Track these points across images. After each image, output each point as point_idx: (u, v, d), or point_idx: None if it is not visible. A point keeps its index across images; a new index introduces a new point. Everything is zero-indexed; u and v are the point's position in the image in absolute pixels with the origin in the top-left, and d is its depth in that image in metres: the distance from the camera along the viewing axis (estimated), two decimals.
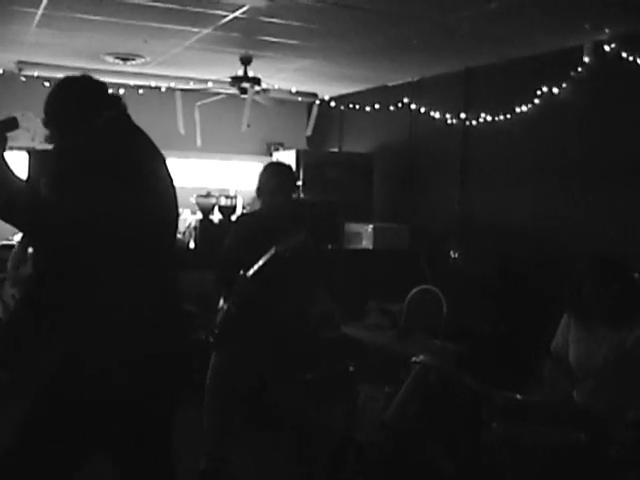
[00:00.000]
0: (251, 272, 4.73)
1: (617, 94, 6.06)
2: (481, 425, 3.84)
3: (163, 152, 3.36)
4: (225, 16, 5.83)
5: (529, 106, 6.75)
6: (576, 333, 4.50)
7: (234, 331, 4.89)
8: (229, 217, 7.88)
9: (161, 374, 3.15)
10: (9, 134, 2.99)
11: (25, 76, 8.26)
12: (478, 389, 4.03)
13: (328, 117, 9.55)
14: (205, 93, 8.65)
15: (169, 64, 7.91)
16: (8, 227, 3.01)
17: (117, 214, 2.95)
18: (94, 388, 2.97)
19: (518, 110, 6.86)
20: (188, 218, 8.41)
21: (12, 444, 3.04)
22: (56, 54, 7.48)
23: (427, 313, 6.13)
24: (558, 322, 4.69)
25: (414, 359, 4.38)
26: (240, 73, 7.54)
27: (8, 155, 2.92)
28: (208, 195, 8.02)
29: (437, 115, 7.88)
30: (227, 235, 5.24)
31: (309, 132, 8.91)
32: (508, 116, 6.98)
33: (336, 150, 9.73)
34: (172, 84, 8.69)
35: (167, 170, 3.31)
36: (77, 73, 3.42)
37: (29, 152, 7.47)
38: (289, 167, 5.24)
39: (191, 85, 8.61)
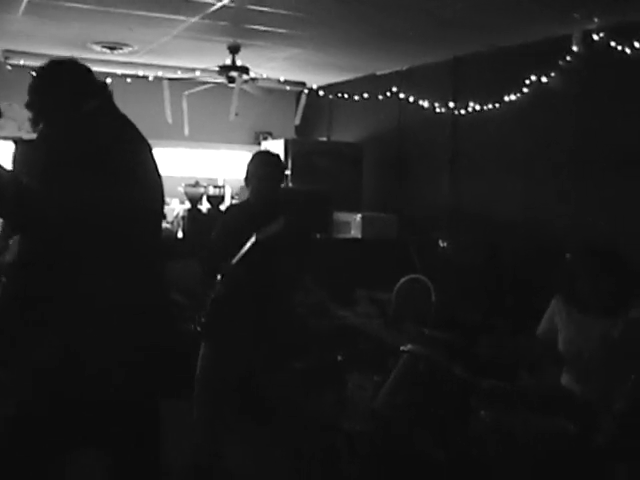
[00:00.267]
0: (235, 260, 4.74)
1: (606, 83, 6.05)
2: (470, 413, 3.84)
3: (151, 141, 3.34)
4: (213, 4, 5.80)
5: (518, 95, 6.74)
6: (566, 320, 4.51)
7: (222, 320, 4.89)
8: (217, 206, 7.86)
9: (147, 364, 3.13)
10: None
11: (11, 65, 8.20)
12: (467, 378, 4.03)
13: (317, 106, 9.52)
14: (193, 82, 8.62)
15: (157, 53, 7.88)
16: None
17: (103, 204, 2.93)
18: (81, 378, 2.96)
19: (507, 99, 6.85)
20: (176, 208, 8.39)
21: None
22: (43, 43, 7.44)
23: (416, 302, 6.13)
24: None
25: (403, 348, 4.38)
26: (228, 62, 7.51)
27: None
28: (196, 184, 7.99)
29: (426, 104, 7.86)
30: (215, 226, 5.24)
31: (297, 121, 8.89)
32: (497, 105, 6.97)
33: (325, 139, 9.71)
34: (160, 73, 8.64)
35: (153, 160, 3.29)
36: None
37: (16, 142, 7.43)
38: (277, 156, 5.24)
39: (179, 74, 8.57)
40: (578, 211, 6.21)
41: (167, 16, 6.22)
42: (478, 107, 7.21)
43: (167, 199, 8.38)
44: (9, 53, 7.93)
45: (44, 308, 3.00)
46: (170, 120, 8.21)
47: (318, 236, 7.53)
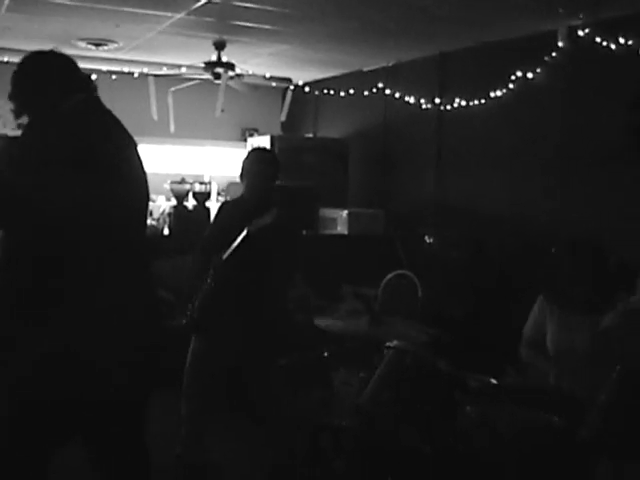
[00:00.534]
0: (226, 254, 4.76)
1: (591, 79, 6.07)
2: (456, 409, 3.84)
3: (136, 138, 3.32)
4: (198, 0, 5.79)
5: (504, 91, 6.75)
6: (553, 317, 4.51)
7: (212, 315, 4.90)
8: (203, 203, 7.85)
9: (133, 359, 3.13)
10: None
11: None
12: (453, 373, 4.03)
13: (303, 102, 9.52)
14: (179, 79, 8.60)
15: (142, 49, 7.86)
16: None
17: (87, 201, 2.92)
18: (68, 373, 2.95)
19: (493, 95, 6.86)
20: (162, 204, 8.38)
21: None
22: (27, 39, 7.41)
23: (402, 298, 6.14)
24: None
25: (388, 344, 4.38)
26: (214, 58, 7.50)
27: None
28: (182, 181, 7.98)
29: (412, 100, 7.86)
30: (206, 221, 5.27)
31: (283, 117, 8.89)
32: (483, 101, 6.98)
33: (311, 135, 9.71)
34: (145, 69, 8.61)
35: (138, 156, 3.28)
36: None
37: (0, 138, 7.40)
38: (272, 153, 5.30)
39: (164, 70, 8.55)
40: (563, 206, 6.22)
41: (152, 12, 6.21)
42: (464, 103, 7.22)
43: (153, 196, 8.45)
44: None
45: (30, 305, 2.99)
46: (156, 117, 8.19)
47: (305, 232, 7.54)
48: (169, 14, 6.25)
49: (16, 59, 3.38)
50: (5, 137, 7.46)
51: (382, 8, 5.90)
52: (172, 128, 8.47)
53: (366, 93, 8.42)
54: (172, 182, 7.95)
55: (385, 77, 8.30)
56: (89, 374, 2.99)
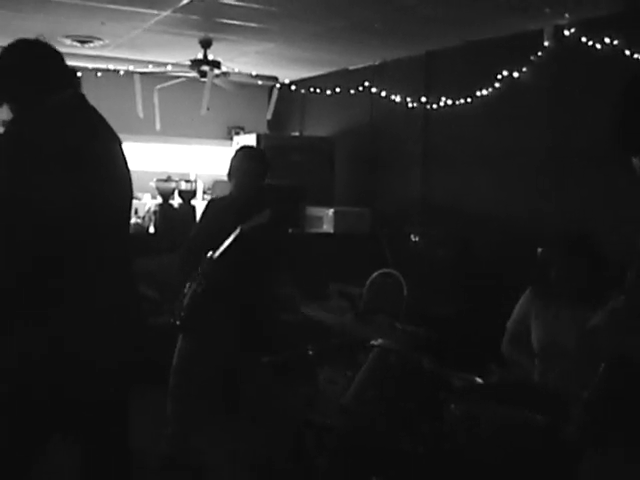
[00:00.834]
0: (217, 253, 4.75)
1: (577, 78, 6.08)
2: (440, 407, 3.84)
3: (122, 136, 3.29)
4: None
5: (490, 90, 6.76)
6: (540, 313, 4.52)
7: (200, 314, 4.89)
8: (189, 201, 7.84)
9: (113, 360, 3.11)
10: None
11: None
12: (437, 372, 4.03)
13: (289, 101, 9.51)
14: (165, 76, 8.57)
15: (128, 47, 7.83)
16: None
17: (70, 200, 2.89)
18: (48, 371, 2.93)
19: (479, 94, 6.87)
20: (148, 202, 8.36)
21: None
22: (13, 36, 7.28)
23: (388, 296, 6.14)
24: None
25: (373, 342, 4.38)
26: (200, 56, 7.48)
27: None
28: (168, 179, 7.97)
29: (398, 99, 7.86)
30: (192, 220, 5.27)
31: (269, 116, 8.88)
32: (469, 100, 6.99)
33: (297, 134, 9.70)
34: (131, 67, 8.59)
35: (123, 154, 3.25)
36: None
37: None
38: (261, 152, 5.30)
39: (150, 68, 8.52)
40: (549, 205, 6.23)
41: (138, 10, 6.19)
42: (450, 102, 7.22)
43: (139, 194, 8.44)
44: None
45: (12, 303, 2.96)
46: (141, 114, 8.16)
47: (291, 231, 7.53)
48: (155, 11, 6.23)
49: None
50: None
51: (369, 7, 5.90)
52: (158, 126, 8.45)
53: (352, 92, 8.41)
54: (158, 180, 7.93)
55: (371, 76, 8.30)
56: (76, 373, 2.97)
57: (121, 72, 8.75)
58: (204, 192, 8.88)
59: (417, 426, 3.89)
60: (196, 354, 4.99)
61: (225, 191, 5.21)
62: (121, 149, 3.24)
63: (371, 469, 4.06)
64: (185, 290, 4.94)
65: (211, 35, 7.14)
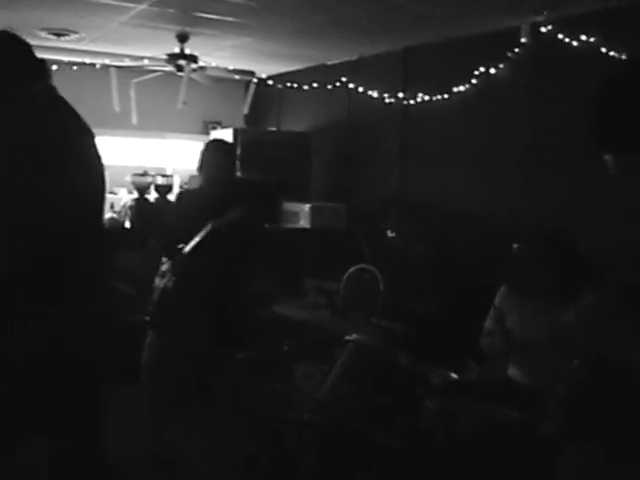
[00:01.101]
0: (188, 248, 4.73)
1: (553, 75, 6.09)
2: (417, 404, 3.85)
3: (98, 130, 3.26)
4: None
5: (467, 86, 6.77)
6: (516, 308, 4.54)
7: (171, 309, 4.87)
8: (165, 196, 7.81)
9: (84, 357, 3.09)
10: None
11: None
12: (414, 368, 4.04)
13: (266, 96, 9.49)
14: (141, 70, 8.52)
15: (104, 40, 7.78)
16: None
17: (40, 195, 2.86)
18: (19, 371, 2.91)
19: (456, 90, 6.87)
20: (124, 197, 8.32)
21: None
22: None
23: (364, 292, 6.14)
24: None
25: (347, 338, 4.39)
26: (176, 50, 7.44)
27: None
28: (144, 174, 7.94)
29: (375, 94, 7.86)
30: (167, 212, 5.25)
31: (246, 110, 8.86)
32: (446, 96, 6.99)
33: (274, 129, 9.67)
34: (107, 61, 8.53)
35: (96, 148, 3.21)
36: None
37: None
38: (231, 145, 5.28)
39: (126, 62, 8.47)
40: (527, 201, 6.25)
41: (115, 3, 6.14)
42: (427, 98, 7.23)
43: (115, 189, 8.39)
44: None
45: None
46: (117, 109, 8.11)
47: (267, 226, 7.52)
48: (131, 5, 6.19)
49: None
50: None
51: (347, 2, 5.89)
52: (134, 120, 8.40)
53: (330, 87, 8.40)
54: (134, 175, 7.90)
55: (349, 71, 8.29)
56: (38, 365, 2.95)
57: (97, 66, 8.69)
58: (181, 187, 8.85)
59: (393, 422, 3.90)
60: (167, 350, 4.97)
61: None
62: (93, 142, 3.20)
63: (348, 464, 4.06)
64: (154, 285, 4.92)
65: (188, 29, 7.10)
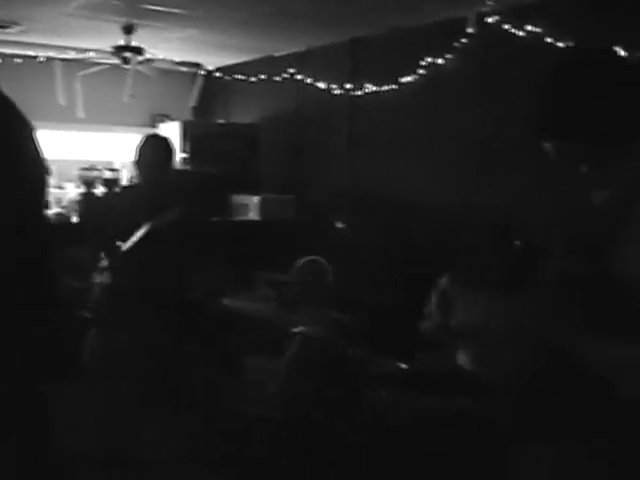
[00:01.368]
0: (126, 247, 4.70)
1: (500, 65, 6.13)
2: (366, 395, 3.85)
3: (43, 123, 3.22)
4: None
5: (414, 77, 6.78)
6: (463, 298, 4.56)
7: (111, 306, 4.84)
8: (113, 190, 7.74)
9: (27, 354, 3.05)
10: None
11: None
12: (362, 359, 4.04)
13: (214, 88, 9.45)
14: (87, 63, 8.42)
15: (48, 32, 7.66)
16: None
17: None
18: None
19: (404, 81, 6.89)
20: (71, 191, 8.23)
21: None
22: None
23: (314, 284, 6.13)
24: None
25: (294, 330, 4.39)
26: (122, 42, 7.37)
27: None
28: (91, 168, 7.87)
29: (323, 86, 7.85)
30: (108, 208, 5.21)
31: (193, 103, 8.81)
32: (394, 87, 7.00)
33: (222, 121, 9.62)
34: (51, 53, 8.42)
35: (35, 141, 3.15)
36: None
37: None
38: (167, 140, 5.24)
39: (72, 55, 8.36)
40: (477, 191, 6.28)
41: None
42: (375, 89, 7.23)
43: (62, 183, 8.28)
44: None
45: None
46: (62, 102, 8.02)
47: (216, 219, 7.49)
48: None
49: None
50: None
51: None
52: (81, 114, 8.32)
53: (277, 78, 8.38)
54: (81, 169, 7.83)
55: (297, 63, 8.27)
56: None
57: (41, 58, 8.57)
58: (129, 180, 8.78)
59: (343, 414, 3.90)
60: (110, 347, 4.94)
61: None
62: (33, 136, 3.14)
63: (301, 457, 4.06)
64: (94, 281, 4.90)
65: (134, 21, 7.02)
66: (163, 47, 8.11)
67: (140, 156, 5.05)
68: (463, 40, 6.27)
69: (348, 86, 7.56)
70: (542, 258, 2.62)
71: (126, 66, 7.56)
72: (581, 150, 2.23)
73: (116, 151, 9.43)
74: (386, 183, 7.23)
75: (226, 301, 6.20)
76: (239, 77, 8.90)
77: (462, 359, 4.54)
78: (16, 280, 3.00)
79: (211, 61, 9.11)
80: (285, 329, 4.71)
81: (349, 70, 7.63)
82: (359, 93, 7.44)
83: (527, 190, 5.86)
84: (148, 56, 7.72)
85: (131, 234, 4.71)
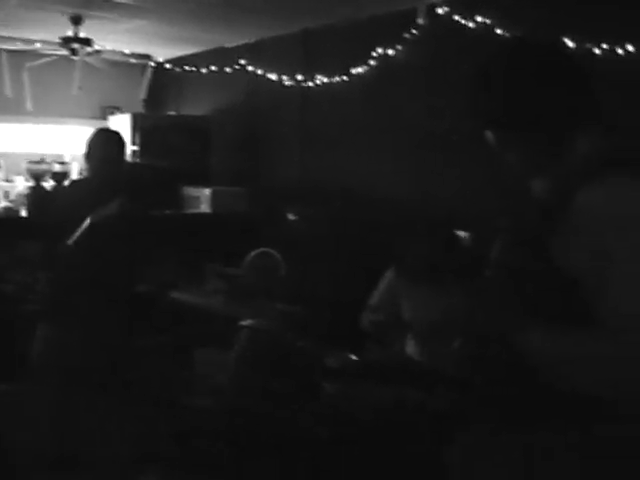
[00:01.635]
0: (71, 241, 4.67)
1: (451, 56, 6.13)
2: (316, 388, 3.84)
3: None
4: None
5: (365, 68, 6.78)
6: (407, 291, 4.57)
7: (59, 300, 4.80)
8: (62, 183, 7.66)
9: None
10: None
11: None
12: (312, 352, 4.03)
13: (165, 80, 9.38)
14: (35, 54, 8.31)
15: None
16: None
17: None
18: None
19: (355, 72, 6.88)
20: (20, 185, 8.14)
21: None
22: None
23: (265, 276, 6.12)
24: None
25: (242, 323, 4.38)
26: (70, 33, 7.28)
27: None
28: (41, 161, 7.78)
29: (274, 77, 7.82)
30: (57, 202, 5.19)
31: (144, 95, 8.74)
32: (345, 78, 6.99)
33: (173, 113, 9.56)
34: None
35: None
36: None
37: None
38: (118, 133, 5.22)
39: (18, 46, 8.24)
40: (426, 184, 6.29)
41: None
42: (326, 80, 7.21)
43: (11, 176, 8.18)
44: None
45: None
46: (10, 94, 7.92)
47: (167, 212, 7.44)
48: None
49: None
50: None
51: None
52: (29, 106, 8.22)
53: (228, 70, 8.34)
54: (29, 162, 7.74)
55: (248, 54, 8.23)
56: None
57: None
58: (80, 174, 8.69)
59: (293, 407, 3.88)
60: (59, 343, 4.89)
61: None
62: None
63: (250, 451, 4.04)
64: (41, 276, 4.87)
65: (82, 11, 6.93)
66: (112, 38, 8.03)
67: (90, 150, 5.02)
68: (414, 31, 6.27)
69: (300, 77, 7.54)
70: (489, 250, 2.64)
71: (74, 57, 7.47)
72: (521, 139, 2.24)
73: (66, 144, 9.32)
74: (338, 175, 7.22)
75: (177, 294, 6.16)
76: (190, 69, 8.84)
77: (412, 349, 4.55)
78: None
79: (161, 53, 9.04)
80: (235, 322, 4.69)
81: (301, 61, 7.60)
82: (311, 84, 7.42)
83: (474, 182, 5.87)
84: (97, 47, 7.63)
85: (77, 228, 4.68)
